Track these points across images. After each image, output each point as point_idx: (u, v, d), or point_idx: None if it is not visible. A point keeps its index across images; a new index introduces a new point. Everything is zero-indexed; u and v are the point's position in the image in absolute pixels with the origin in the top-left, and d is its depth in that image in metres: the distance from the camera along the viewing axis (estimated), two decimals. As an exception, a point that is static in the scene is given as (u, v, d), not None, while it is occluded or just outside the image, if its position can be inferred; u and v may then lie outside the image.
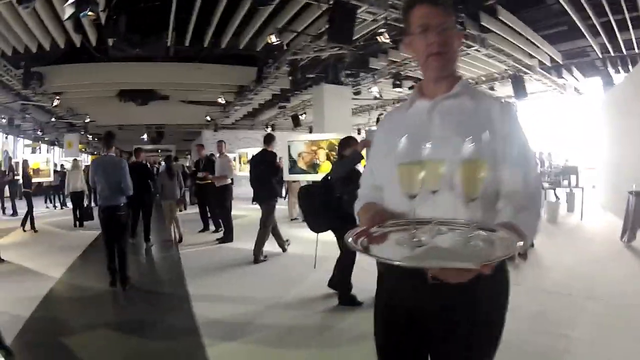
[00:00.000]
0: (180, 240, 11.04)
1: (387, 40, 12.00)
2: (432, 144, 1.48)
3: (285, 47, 14.29)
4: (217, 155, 11.52)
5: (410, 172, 1.47)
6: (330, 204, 5.64)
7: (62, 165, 23.59)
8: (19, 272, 8.66)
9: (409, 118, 1.93)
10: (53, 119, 25.58)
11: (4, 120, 24.18)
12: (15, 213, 18.28)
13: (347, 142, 6.04)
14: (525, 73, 16.92)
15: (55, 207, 21.73)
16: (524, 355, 4.41)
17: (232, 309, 6.21)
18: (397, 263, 1.35)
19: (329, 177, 6.03)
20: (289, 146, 12.34)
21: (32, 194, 14.12)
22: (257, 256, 8.58)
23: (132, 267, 7.65)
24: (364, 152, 5.56)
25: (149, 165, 12.13)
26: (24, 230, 13.50)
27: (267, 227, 8.70)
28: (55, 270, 8.57)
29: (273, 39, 12.59)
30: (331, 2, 10.05)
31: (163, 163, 15.30)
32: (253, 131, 31.38)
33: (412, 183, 1.48)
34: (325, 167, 11.37)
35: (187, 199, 18.68)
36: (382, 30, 11.73)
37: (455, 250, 1.40)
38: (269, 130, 28.90)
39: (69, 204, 16.40)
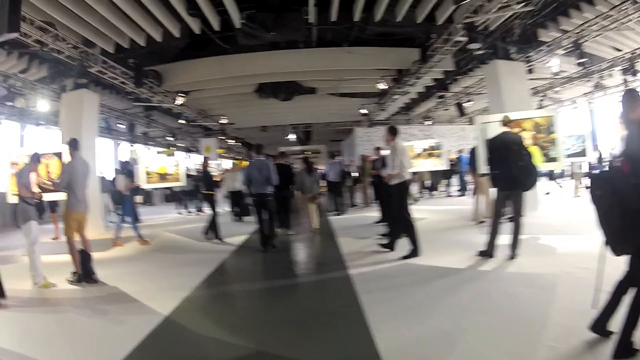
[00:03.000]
0: (315, 229, 12.36)
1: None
2: None
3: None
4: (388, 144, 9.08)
5: None
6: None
7: (197, 170, 22.18)
8: (113, 301, 6.53)
9: None
10: (182, 122, 24.84)
11: (121, 126, 23.96)
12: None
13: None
14: None
15: (190, 212, 20.42)
16: None
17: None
18: None
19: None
20: (481, 130, 10.62)
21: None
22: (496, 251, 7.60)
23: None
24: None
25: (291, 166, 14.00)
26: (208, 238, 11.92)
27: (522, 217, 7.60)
28: (165, 301, 6.24)
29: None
30: None
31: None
32: (409, 126, 29.03)
33: None
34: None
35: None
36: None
37: None
38: (428, 123, 27.70)
39: (206, 209, 16.10)
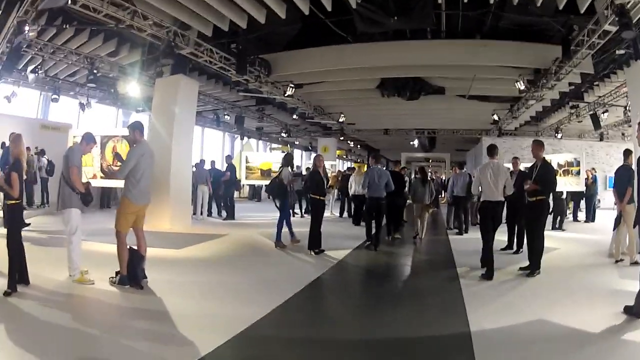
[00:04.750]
0: (420, 237, 12.66)
1: None
2: None
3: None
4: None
5: None
6: None
7: (307, 169, 21.15)
8: (144, 318, 5.23)
9: None
10: (295, 117, 24.23)
11: (227, 117, 23.51)
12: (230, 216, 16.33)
13: None
14: None
15: (294, 214, 18.54)
16: None
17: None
18: None
19: None
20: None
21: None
22: None
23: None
24: None
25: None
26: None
27: None
28: (212, 333, 4.68)
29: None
30: None
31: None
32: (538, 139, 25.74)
33: None
34: None
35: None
36: None
37: None
38: (559, 136, 24.64)
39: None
